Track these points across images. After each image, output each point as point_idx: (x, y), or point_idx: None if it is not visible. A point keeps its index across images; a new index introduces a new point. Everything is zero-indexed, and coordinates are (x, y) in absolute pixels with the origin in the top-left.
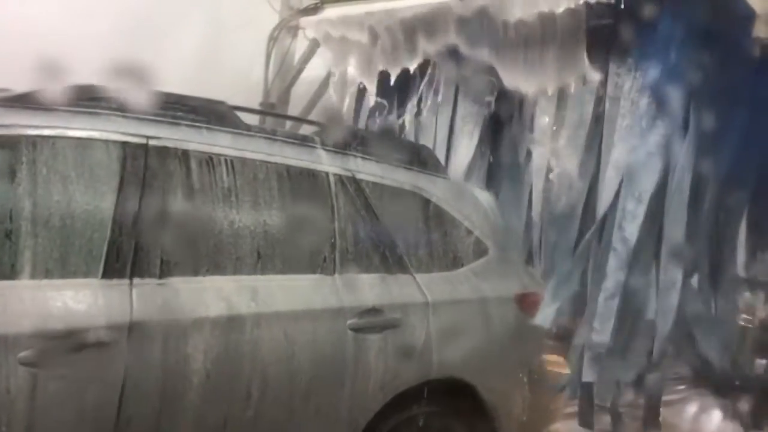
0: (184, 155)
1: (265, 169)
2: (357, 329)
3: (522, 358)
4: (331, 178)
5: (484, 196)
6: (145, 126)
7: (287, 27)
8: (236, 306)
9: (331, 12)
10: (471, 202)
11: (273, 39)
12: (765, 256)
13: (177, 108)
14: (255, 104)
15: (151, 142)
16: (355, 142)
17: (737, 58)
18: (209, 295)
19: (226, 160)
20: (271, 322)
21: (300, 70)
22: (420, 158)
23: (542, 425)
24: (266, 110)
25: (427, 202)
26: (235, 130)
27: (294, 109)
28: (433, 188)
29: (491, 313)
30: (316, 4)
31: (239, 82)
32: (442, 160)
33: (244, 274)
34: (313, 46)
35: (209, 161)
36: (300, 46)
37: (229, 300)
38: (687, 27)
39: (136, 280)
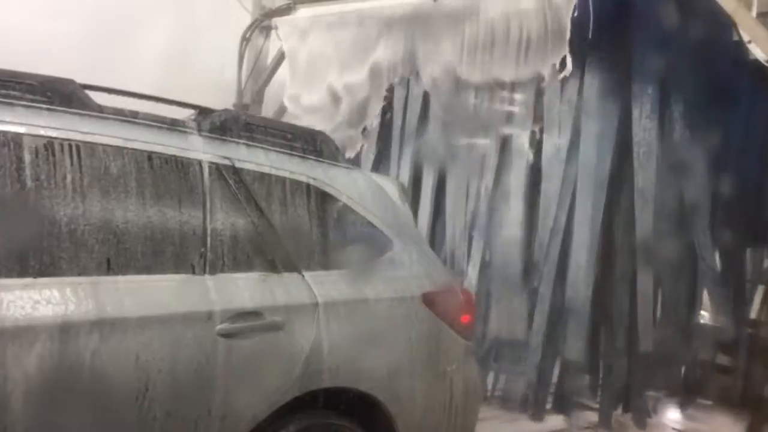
0: (16, 140)
1: (120, 156)
2: (228, 335)
3: (431, 362)
4: (206, 168)
5: (390, 186)
6: None
7: (260, 27)
8: (72, 312)
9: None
10: (374, 193)
11: (245, 40)
12: None
13: (10, 86)
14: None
15: None
16: (237, 127)
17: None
18: (39, 300)
19: (70, 146)
20: (118, 331)
21: (273, 71)
22: (316, 146)
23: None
24: (129, 91)
25: (323, 193)
26: (84, 112)
27: (268, 109)
28: (331, 179)
29: (394, 313)
30: (289, 4)
31: (212, 83)
32: None
33: (87, 276)
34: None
35: (48, 147)
36: (273, 46)
37: (63, 305)
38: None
39: None
